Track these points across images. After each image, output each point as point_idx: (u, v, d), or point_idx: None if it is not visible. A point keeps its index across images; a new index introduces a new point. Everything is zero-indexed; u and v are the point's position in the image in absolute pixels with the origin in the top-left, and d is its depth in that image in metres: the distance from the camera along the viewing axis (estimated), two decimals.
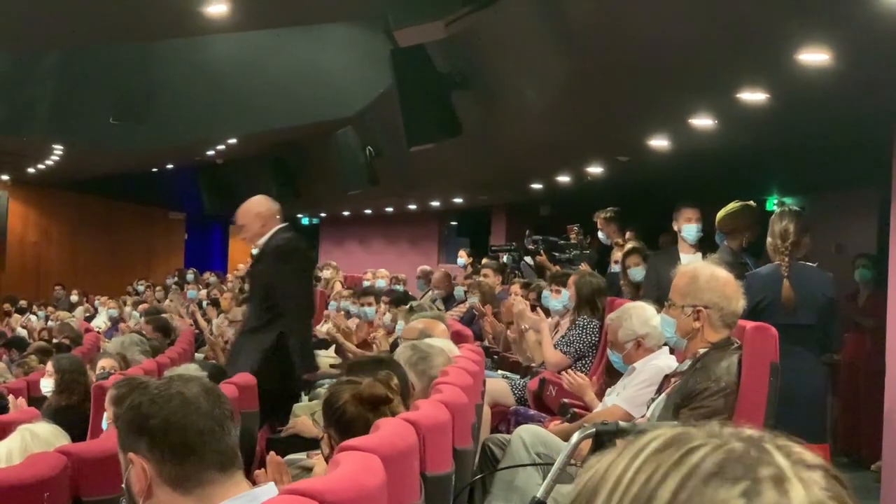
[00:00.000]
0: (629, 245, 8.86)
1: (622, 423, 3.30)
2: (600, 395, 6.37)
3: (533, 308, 8.48)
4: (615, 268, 9.23)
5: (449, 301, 12.43)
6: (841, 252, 11.15)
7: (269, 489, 2.55)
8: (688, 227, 7.68)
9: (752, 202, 7.43)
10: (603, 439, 3.22)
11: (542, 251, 11.17)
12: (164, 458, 2.43)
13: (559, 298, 8.28)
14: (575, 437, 3.24)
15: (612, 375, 6.69)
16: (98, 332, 15.11)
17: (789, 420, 4.93)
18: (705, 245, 7.76)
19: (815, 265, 6.64)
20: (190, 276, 21.28)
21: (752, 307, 5.19)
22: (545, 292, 8.62)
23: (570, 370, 6.80)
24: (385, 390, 3.58)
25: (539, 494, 3.42)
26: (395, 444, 2.95)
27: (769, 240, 6.38)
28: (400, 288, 14.16)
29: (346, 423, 3.44)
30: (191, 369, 5.77)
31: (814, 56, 5.50)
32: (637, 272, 8.42)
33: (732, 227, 7.19)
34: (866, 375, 8.93)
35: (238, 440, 2.60)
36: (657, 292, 6.88)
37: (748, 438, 0.99)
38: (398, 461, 2.87)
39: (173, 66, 16.12)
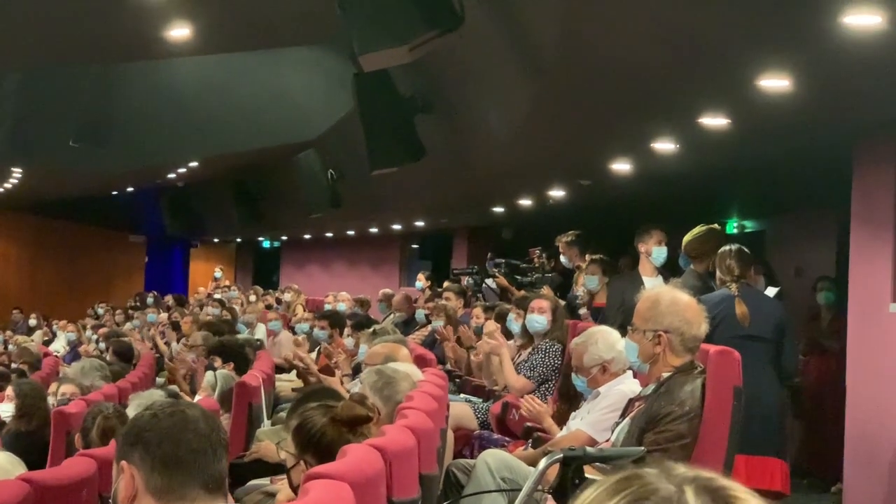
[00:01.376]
0: (591, 257, 8.92)
1: (589, 449, 3.30)
2: (556, 418, 6.37)
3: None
4: (578, 291, 9.26)
5: (410, 324, 12.41)
6: (800, 275, 11.22)
7: None
8: (658, 250, 7.74)
9: (716, 225, 7.50)
10: (570, 465, 3.23)
11: (503, 274, 11.19)
12: (153, 469, 2.51)
13: (532, 318, 8.22)
14: (542, 463, 3.24)
15: (566, 400, 6.71)
16: (57, 357, 14.98)
17: (748, 435, 4.97)
18: (667, 268, 7.81)
19: (762, 291, 6.86)
20: (150, 299, 21.16)
21: None
22: (510, 315, 8.61)
23: (530, 396, 6.80)
24: (364, 409, 3.57)
25: None
26: (363, 471, 2.94)
27: (718, 273, 6.58)
28: (359, 311, 14.14)
29: (325, 446, 3.42)
30: (155, 396, 5.72)
31: (774, 82, 5.56)
32: (591, 280, 8.59)
33: (700, 251, 7.25)
34: (833, 398, 8.97)
35: (227, 471, 2.64)
36: (621, 317, 6.92)
37: (682, 479, 1.00)
38: (366, 488, 2.87)
39: (135, 88, 16.03)
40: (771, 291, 7.14)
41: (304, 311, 14.97)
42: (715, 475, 1.02)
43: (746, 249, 6.73)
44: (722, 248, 6.71)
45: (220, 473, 2.57)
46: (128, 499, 2.52)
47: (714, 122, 6.74)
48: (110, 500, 2.64)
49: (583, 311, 8.81)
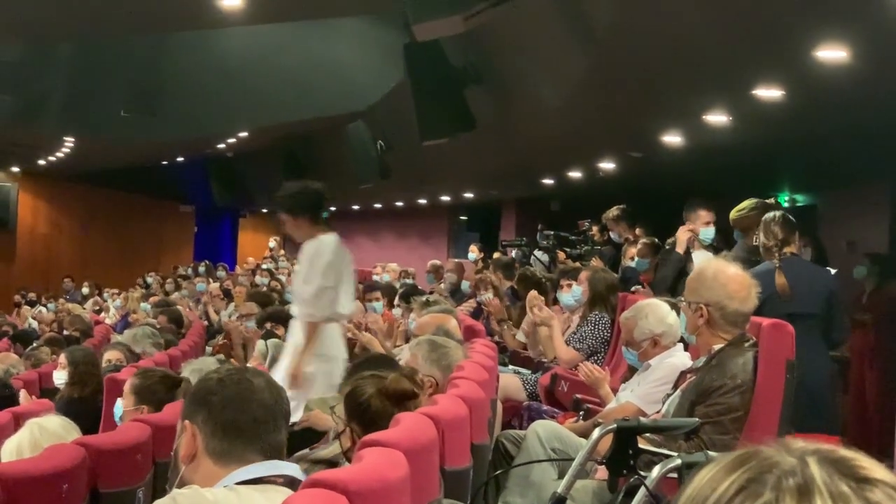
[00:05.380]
0: (644, 241, 8.90)
1: (643, 420, 3.30)
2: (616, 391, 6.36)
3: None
4: (630, 263, 9.23)
5: (455, 296, 12.41)
6: (853, 250, 11.12)
7: (293, 466, 2.62)
8: (705, 231, 7.70)
9: (767, 200, 7.42)
10: (623, 435, 3.22)
11: (551, 246, 11.18)
12: (213, 433, 2.55)
13: (570, 293, 8.24)
14: (596, 433, 3.24)
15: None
16: (108, 325, 15.11)
17: (798, 411, 4.94)
18: (725, 242, 7.77)
19: (809, 260, 6.71)
20: (202, 268, 21.29)
21: None
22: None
23: (587, 363, 6.79)
24: (411, 385, 3.58)
25: (560, 490, 3.42)
26: (416, 439, 2.95)
27: (762, 239, 6.45)
28: (410, 282, 14.15)
29: (370, 417, 3.44)
30: (208, 363, 5.76)
31: (831, 53, 5.49)
32: (642, 263, 8.67)
33: (746, 224, 7.19)
34: (871, 372, 8.99)
35: (286, 442, 2.66)
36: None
37: (803, 451, 0.99)
38: (420, 456, 2.87)
39: (185, 59, 16.12)
40: None
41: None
42: (836, 447, 1.00)
43: (791, 217, 6.64)
44: (766, 215, 6.60)
45: (279, 443, 2.60)
46: (188, 457, 2.56)
47: (768, 94, 6.67)
48: (172, 453, 2.69)
49: (636, 287, 8.79)
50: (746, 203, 7.28)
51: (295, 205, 6.50)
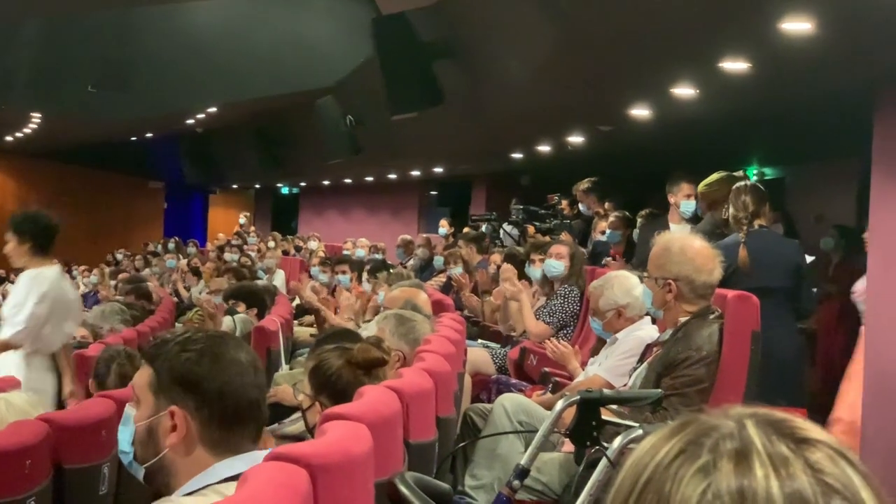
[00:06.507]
0: (616, 214, 8.93)
1: (606, 391, 3.31)
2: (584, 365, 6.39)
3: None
4: (599, 237, 9.26)
5: (427, 270, 12.42)
6: (820, 222, 11.17)
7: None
8: (686, 203, 7.70)
9: (735, 173, 7.43)
10: (587, 407, 3.24)
11: (520, 220, 11.19)
12: (210, 422, 2.37)
13: (547, 267, 8.21)
14: (559, 405, 3.25)
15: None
16: None
17: (765, 384, 4.97)
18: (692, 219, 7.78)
19: (779, 233, 6.69)
20: (171, 245, 21.21)
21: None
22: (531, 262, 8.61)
23: (553, 339, 6.81)
24: (379, 353, 3.57)
25: (523, 462, 3.43)
26: (379, 412, 2.95)
27: (731, 211, 6.43)
28: (379, 256, 14.16)
29: (341, 388, 3.43)
30: None
31: (796, 25, 5.49)
32: (614, 235, 8.74)
33: (714, 198, 7.20)
34: (837, 338, 9.06)
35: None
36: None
37: (741, 415, 0.99)
38: (383, 429, 2.87)
39: (154, 35, 16.02)
40: None
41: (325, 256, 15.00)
42: (774, 410, 1.01)
43: (761, 187, 6.64)
44: (736, 185, 6.57)
45: (264, 420, 2.49)
46: (177, 445, 2.38)
47: (735, 66, 6.67)
48: (142, 431, 2.43)
49: (607, 259, 8.82)
50: (715, 176, 7.28)
51: (25, 228, 6.38)
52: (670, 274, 4.66)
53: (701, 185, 7.30)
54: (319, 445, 2.34)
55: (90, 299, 15.83)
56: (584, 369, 6.17)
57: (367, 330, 5.02)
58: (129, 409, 2.50)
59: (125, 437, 2.49)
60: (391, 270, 8.62)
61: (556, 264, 7.93)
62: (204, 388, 2.37)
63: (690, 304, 4.67)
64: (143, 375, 2.45)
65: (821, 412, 9.29)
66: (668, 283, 4.66)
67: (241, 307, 8.85)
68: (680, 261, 4.66)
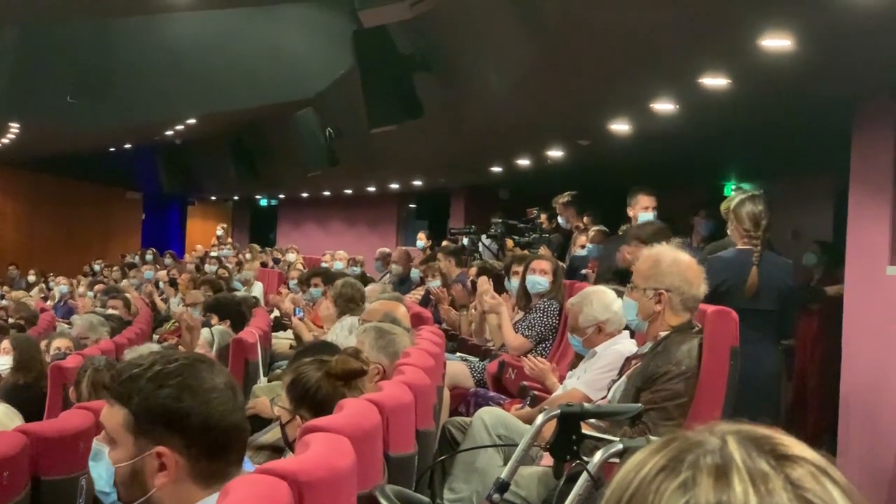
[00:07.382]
0: (595, 229, 8.94)
1: (585, 405, 3.31)
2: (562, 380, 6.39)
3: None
4: (579, 251, 9.27)
5: (405, 283, 12.41)
6: (797, 238, 11.22)
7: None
8: (643, 216, 7.71)
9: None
10: (567, 421, 3.24)
11: (499, 234, 11.21)
12: (199, 456, 2.28)
13: (533, 282, 8.20)
14: (539, 419, 3.25)
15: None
16: (53, 313, 14.99)
17: (745, 403, 4.98)
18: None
19: (777, 253, 6.69)
20: (149, 256, 21.15)
21: (711, 290, 5.21)
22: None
23: (531, 354, 6.81)
24: (358, 363, 3.57)
25: (503, 475, 3.43)
26: (359, 425, 2.95)
27: (734, 225, 6.39)
28: (357, 269, 14.15)
29: (320, 401, 3.43)
30: (153, 349, 5.71)
31: (776, 42, 5.53)
32: (594, 249, 8.72)
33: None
34: (813, 359, 9.10)
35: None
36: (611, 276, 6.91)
37: (724, 432, 1.00)
38: (364, 441, 2.87)
39: (133, 45, 15.98)
40: None
41: (303, 269, 14.99)
42: (757, 427, 1.01)
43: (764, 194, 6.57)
44: (740, 195, 6.50)
45: (248, 438, 2.42)
46: (166, 486, 2.28)
47: (714, 82, 6.70)
48: (125, 474, 2.32)
49: (586, 271, 8.83)
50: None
51: None
52: (662, 284, 4.67)
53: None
54: (304, 461, 2.33)
55: (60, 309, 15.78)
56: (562, 383, 6.17)
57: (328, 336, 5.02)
58: (99, 446, 2.39)
59: (101, 475, 2.38)
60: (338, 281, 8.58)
61: (540, 280, 7.93)
62: (188, 424, 2.28)
63: (677, 315, 4.68)
64: (117, 416, 2.33)
65: (794, 425, 9.37)
66: (659, 293, 4.67)
67: (214, 319, 8.84)
68: (672, 272, 4.68)
